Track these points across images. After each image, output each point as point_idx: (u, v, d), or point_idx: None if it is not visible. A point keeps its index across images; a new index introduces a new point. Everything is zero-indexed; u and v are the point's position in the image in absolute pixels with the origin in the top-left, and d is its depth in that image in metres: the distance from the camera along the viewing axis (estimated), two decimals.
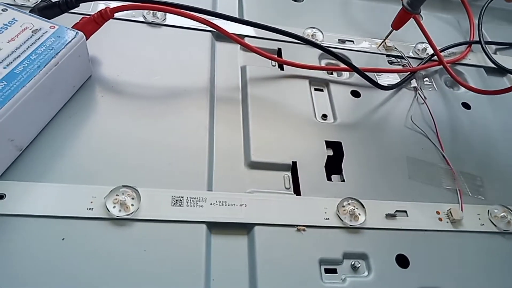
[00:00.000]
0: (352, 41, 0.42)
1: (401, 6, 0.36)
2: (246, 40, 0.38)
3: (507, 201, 0.32)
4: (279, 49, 0.39)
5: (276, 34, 0.35)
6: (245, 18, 0.41)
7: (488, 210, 0.31)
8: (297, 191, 0.29)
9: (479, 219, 0.31)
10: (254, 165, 0.29)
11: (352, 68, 0.36)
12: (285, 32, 0.35)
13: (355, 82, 0.38)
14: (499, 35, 0.48)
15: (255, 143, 0.30)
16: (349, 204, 0.28)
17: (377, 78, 0.39)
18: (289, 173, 0.30)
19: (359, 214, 0.28)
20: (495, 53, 0.46)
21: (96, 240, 0.23)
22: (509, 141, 0.37)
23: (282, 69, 0.37)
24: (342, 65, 0.37)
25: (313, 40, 0.39)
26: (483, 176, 0.34)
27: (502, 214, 0.31)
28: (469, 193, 0.32)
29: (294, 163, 0.30)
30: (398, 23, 0.37)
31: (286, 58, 0.38)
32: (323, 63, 0.40)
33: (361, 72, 0.36)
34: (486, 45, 0.45)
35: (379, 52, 0.42)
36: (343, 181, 0.31)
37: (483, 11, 0.47)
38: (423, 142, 0.35)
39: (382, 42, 0.42)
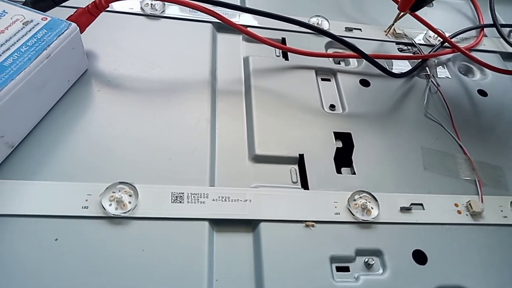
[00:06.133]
0: (360, 29, 0.40)
1: None
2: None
3: None
4: (283, 39, 0.37)
5: (281, 22, 0.34)
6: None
7: (511, 202, 0.29)
8: (305, 185, 0.27)
9: (501, 211, 0.29)
10: (259, 159, 0.28)
11: (362, 55, 0.34)
12: (291, 19, 0.33)
13: (364, 71, 0.36)
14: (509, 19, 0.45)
15: (259, 136, 0.29)
16: (360, 197, 0.27)
17: (387, 67, 0.37)
18: (296, 167, 0.28)
19: (372, 208, 0.26)
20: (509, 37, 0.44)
21: (91, 240, 0.22)
22: None
23: (286, 59, 0.36)
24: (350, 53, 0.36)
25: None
26: (504, 165, 0.32)
27: None
28: (489, 184, 0.30)
29: (301, 156, 0.29)
30: (406, 5, 0.35)
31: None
32: (331, 50, 0.38)
33: (371, 59, 0.34)
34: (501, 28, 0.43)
35: (388, 39, 0.40)
36: (354, 173, 0.29)
37: None
38: (438, 132, 0.33)
39: (391, 26, 0.40)
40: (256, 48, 0.36)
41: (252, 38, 0.34)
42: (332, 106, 0.33)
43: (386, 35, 0.40)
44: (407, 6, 0.35)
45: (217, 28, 0.36)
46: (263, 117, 0.30)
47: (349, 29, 0.40)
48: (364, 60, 0.36)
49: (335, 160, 0.29)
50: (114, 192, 0.23)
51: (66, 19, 0.28)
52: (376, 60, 0.35)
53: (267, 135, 0.29)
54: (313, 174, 0.28)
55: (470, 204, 0.28)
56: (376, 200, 0.27)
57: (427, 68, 0.38)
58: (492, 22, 0.44)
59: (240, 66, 0.34)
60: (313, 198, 0.26)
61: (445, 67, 0.39)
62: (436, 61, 0.39)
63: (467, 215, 0.28)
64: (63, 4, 0.30)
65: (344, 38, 0.35)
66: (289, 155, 0.28)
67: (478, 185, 0.30)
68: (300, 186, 0.27)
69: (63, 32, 0.26)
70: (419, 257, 0.25)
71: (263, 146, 0.28)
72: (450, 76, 0.38)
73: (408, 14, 0.38)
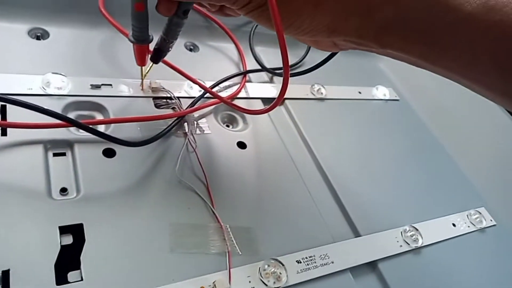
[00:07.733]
0: (110, 85, 0.36)
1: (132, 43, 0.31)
2: None
3: (283, 250, 0.31)
4: (3, 107, 0.30)
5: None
6: None
7: (259, 268, 0.29)
8: None
9: (250, 282, 0.28)
10: None
11: (74, 124, 0.29)
12: None
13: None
14: (272, 61, 0.48)
15: None
16: None
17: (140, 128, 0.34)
18: None
19: None
20: (271, 81, 0.47)
21: None
22: (280, 181, 0.36)
23: (4, 134, 0.29)
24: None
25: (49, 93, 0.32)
26: (256, 226, 0.32)
27: (273, 269, 0.29)
28: (239, 252, 0.29)
29: (6, 273, 0.22)
30: (140, 59, 0.32)
31: (15, 119, 0.29)
32: (73, 115, 0.33)
33: (93, 131, 0.29)
34: (266, 72, 0.45)
35: (144, 95, 0.37)
36: (82, 279, 0.24)
37: (251, 36, 0.48)
38: (191, 199, 0.31)
39: (141, 81, 0.36)
40: None
41: None
42: (63, 190, 0.28)
43: (142, 89, 0.37)
44: (143, 60, 0.32)
45: None
46: None
47: (96, 86, 0.35)
48: (113, 124, 0.32)
49: (57, 267, 0.24)
50: None
51: None
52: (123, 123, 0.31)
53: None
54: None
55: (215, 284, 0.26)
56: None
57: (185, 124, 0.36)
58: (257, 67, 0.46)
59: None
60: None
61: (207, 120, 0.38)
62: (195, 115, 0.38)
63: None
64: None
65: (89, 98, 0.31)
66: None
67: (227, 257, 0.29)
68: None
69: None
70: None
71: None
72: (210, 131, 0.37)
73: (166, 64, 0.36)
